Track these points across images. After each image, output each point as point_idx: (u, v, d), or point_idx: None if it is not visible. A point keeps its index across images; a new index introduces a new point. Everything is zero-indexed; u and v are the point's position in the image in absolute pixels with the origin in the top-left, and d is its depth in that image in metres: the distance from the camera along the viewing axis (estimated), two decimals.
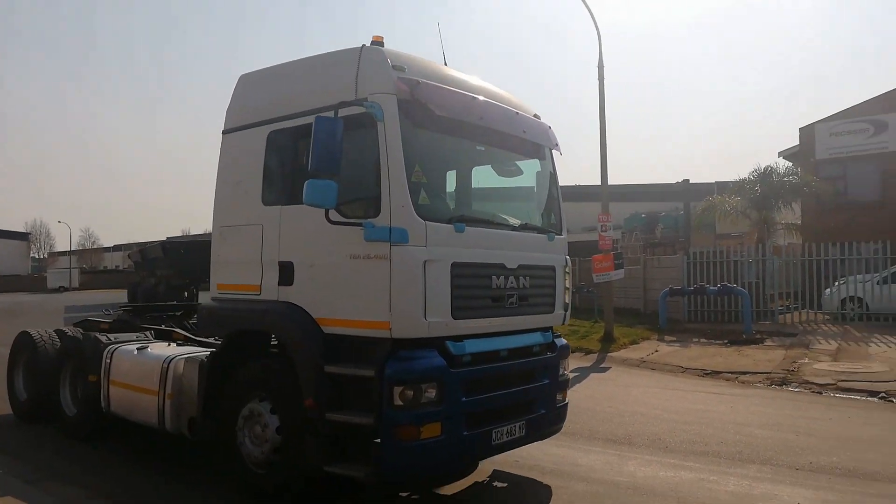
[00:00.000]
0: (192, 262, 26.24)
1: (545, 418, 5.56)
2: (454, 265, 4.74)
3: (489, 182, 6.01)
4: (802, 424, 8.02)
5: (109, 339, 6.93)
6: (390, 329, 4.52)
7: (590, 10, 16.13)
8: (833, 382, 10.39)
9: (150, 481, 5.83)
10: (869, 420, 8.35)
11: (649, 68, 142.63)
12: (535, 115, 6.08)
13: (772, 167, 22.91)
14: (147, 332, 7.45)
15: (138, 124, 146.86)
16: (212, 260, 5.83)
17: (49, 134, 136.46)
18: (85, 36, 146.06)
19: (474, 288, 4.95)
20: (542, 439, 5.75)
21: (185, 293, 26.59)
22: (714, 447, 6.97)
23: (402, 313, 4.51)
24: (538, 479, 5.83)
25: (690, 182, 28.42)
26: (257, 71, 5.89)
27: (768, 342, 14.50)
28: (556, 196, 6.17)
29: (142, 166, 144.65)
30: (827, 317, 17.35)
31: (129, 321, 8.04)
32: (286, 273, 5.12)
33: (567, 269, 5.97)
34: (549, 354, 5.65)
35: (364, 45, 4.92)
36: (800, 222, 24.40)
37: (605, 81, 16.13)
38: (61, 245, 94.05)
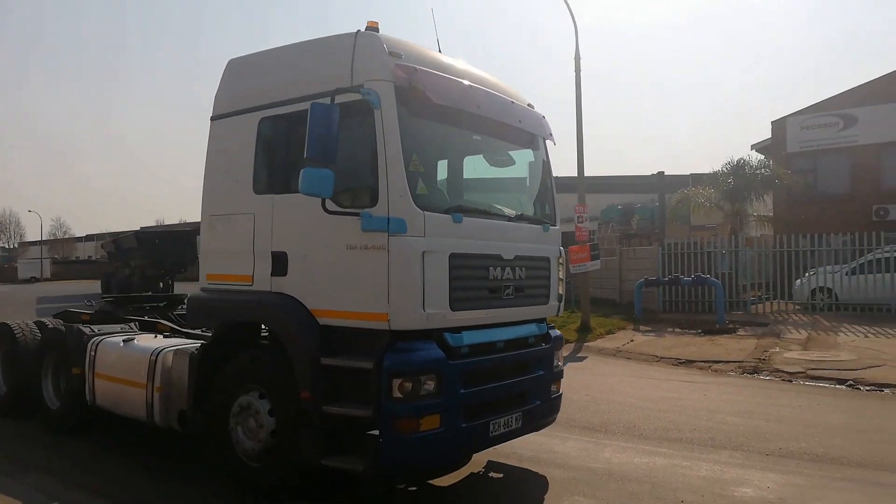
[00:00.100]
0: (168, 253, 25.92)
1: (540, 409, 5.54)
2: (452, 256, 4.69)
3: (482, 172, 5.93)
4: (773, 412, 8.22)
5: (93, 331, 6.79)
6: (388, 321, 4.46)
7: (567, 4, 16.21)
8: (803, 371, 10.65)
9: (147, 478, 5.71)
10: (837, 407, 8.59)
11: (626, 64, 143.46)
12: (529, 105, 6.02)
13: (744, 160, 23.23)
14: (131, 324, 7.31)
15: (105, 112, 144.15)
16: (200, 250, 5.74)
17: (10, 123, 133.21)
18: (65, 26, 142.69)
19: (472, 279, 4.90)
20: (536, 430, 5.73)
21: (161, 284, 26.26)
22: (687, 434, 7.12)
23: (401, 305, 4.45)
24: (532, 469, 5.83)
25: (666, 174, 28.70)
26: (247, 56, 5.74)
27: (740, 332, 14.78)
28: (549, 186, 6.12)
29: (111, 155, 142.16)
30: (797, 307, 17.72)
31: (112, 312, 7.88)
32: (279, 263, 5.02)
33: (561, 261, 5.94)
34: (543, 346, 5.63)
35: (359, 31, 4.80)
36: (772, 214, 24.85)
37: (581, 74, 16.25)
38: (32, 235, 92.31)
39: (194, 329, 6.46)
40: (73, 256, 78.98)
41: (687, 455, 6.36)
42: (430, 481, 5.53)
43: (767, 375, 10.76)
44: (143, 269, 26.65)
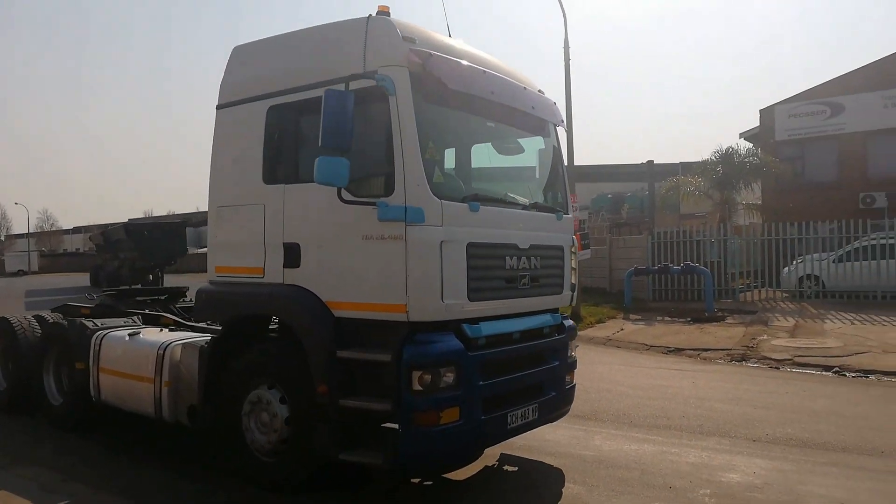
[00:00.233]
0: (157, 245, 25.79)
1: (556, 400, 5.48)
2: (470, 245, 4.60)
3: (492, 159, 5.82)
4: (760, 398, 8.34)
5: (97, 325, 6.65)
6: (407, 312, 4.36)
7: None
8: (790, 358, 10.79)
9: (152, 472, 5.66)
10: (823, 393, 8.72)
11: (616, 55, 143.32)
12: (539, 91, 5.90)
13: (733, 148, 23.38)
14: (134, 318, 7.16)
15: (85, 102, 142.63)
16: (209, 242, 5.63)
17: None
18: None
19: (489, 269, 4.82)
20: (552, 422, 5.65)
21: (150, 276, 26.14)
22: (676, 421, 7.22)
23: (419, 295, 4.35)
24: (548, 462, 5.80)
25: (655, 163, 28.81)
26: (253, 42, 5.59)
27: (729, 320, 14.93)
28: (561, 174, 6.02)
29: (101, 147, 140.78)
30: (785, 294, 17.89)
31: (114, 306, 7.73)
32: (292, 255, 4.91)
33: (573, 249, 5.84)
34: (558, 336, 5.56)
35: (371, 15, 4.67)
36: (760, 202, 25.02)
37: (570, 64, 16.27)
38: (18, 227, 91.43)
39: (201, 322, 6.37)
40: (60, 249, 78.44)
41: (676, 442, 6.45)
42: (445, 475, 5.40)
43: (755, 363, 10.90)
44: (132, 261, 26.51)
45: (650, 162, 28.07)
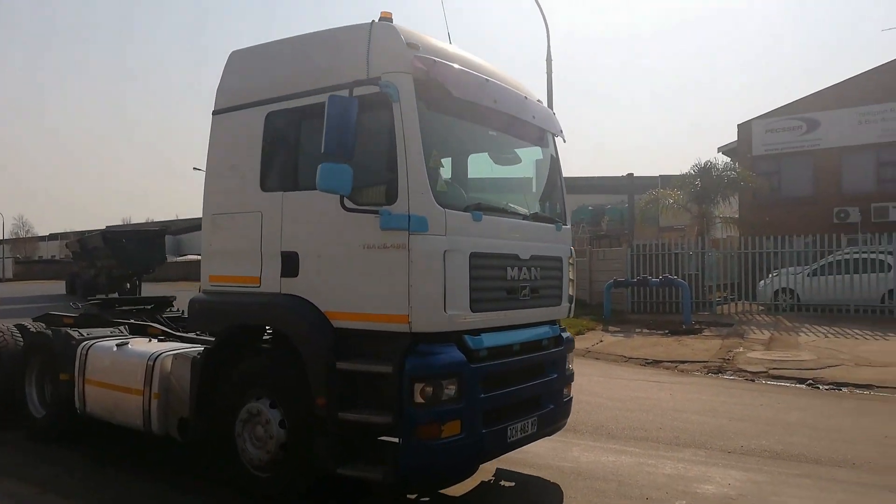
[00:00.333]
0: (135, 253, 25.56)
1: (553, 414, 5.42)
2: (473, 255, 4.53)
3: (491, 169, 5.77)
4: (736, 410, 8.45)
5: (82, 335, 6.50)
6: (409, 322, 4.27)
7: (540, 8, 16.42)
8: (765, 370, 10.95)
9: (137, 485, 5.55)
10: (796, 406, 8.85)
11: (598, 69, 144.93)
12: (539, 101, 5.89)
13: (711, 162, 23.76)
14: (120, 328, 7.01)
15: (55, 106, 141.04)
16: (203, 250, 5.50)
17: None
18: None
19: (491, 279, 4.77)
20: (549, 436, 5.59)
21: (128, 284, 25.90)
22: (654, 433, 7.29)
23: (422, 306, 4.27)
24: (546, 478, 5.73)
25: (635, 176, 29.15)
26: (251, 48, 5.51)
27: (706, 332, 15.10)
28: (560, 185, 5.99)
29: (78, 152, 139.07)
30: (761, 307, 18.13)
31: (99, 315, 7.52)
32: (290, 264, 4.80)
33: (571, 261, 5.82)
34: (556, 348, 5.51)
35: (374, 21, 4.60)
36: (737, 216, 25.37)
37: (553, 76, 16.50)
38: None
39: (191, 332, 6.26)
40: (35, 256, 77.14)
41: (653, 453, 6.51)
42: (441, 490, 5.30)
43: (731, 375, 11.03)
44: (109, 269, 26.25)
45: (630, 175, 28.40)
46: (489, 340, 4.70)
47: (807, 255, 17.70)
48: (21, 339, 7.19)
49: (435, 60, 4.52)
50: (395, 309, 4.32)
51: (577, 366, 5.68)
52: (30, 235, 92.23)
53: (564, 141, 6.03)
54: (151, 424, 5.53)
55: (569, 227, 5.90)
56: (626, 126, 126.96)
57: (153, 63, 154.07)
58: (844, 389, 9.79)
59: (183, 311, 8.14)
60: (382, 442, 4.25)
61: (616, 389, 9.86)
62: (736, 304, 18.50)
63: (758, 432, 7.30)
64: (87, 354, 6.21)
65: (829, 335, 14.00)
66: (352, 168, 4.17)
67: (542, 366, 5.32)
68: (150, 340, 6.40)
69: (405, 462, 4.22)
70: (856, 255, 16.67)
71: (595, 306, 19.15)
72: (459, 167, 5.53)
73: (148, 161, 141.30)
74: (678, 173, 24.66)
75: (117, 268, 25.33)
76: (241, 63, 5.49)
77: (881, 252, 16.45)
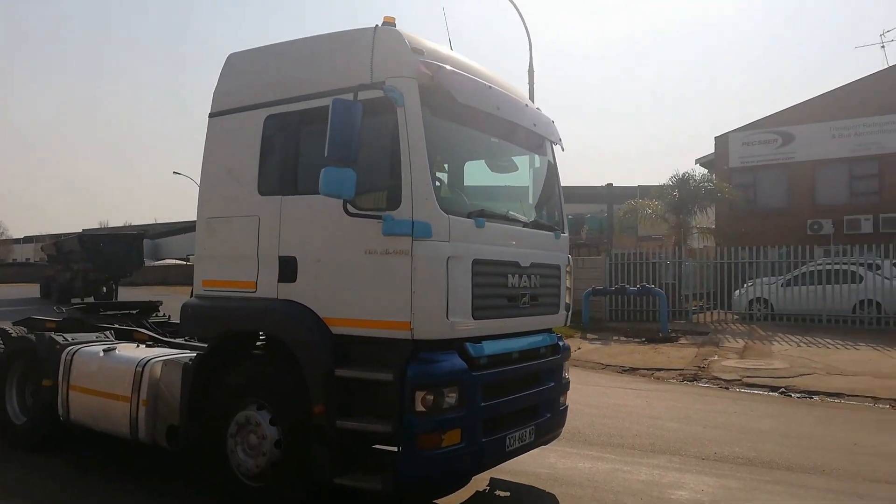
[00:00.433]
0: (112, 257, 25.25)
1: (551, 422, 5.39)
2: (475, 262, 4.49)
3: (489, 176, 5.71)
4: (710, 418, 8.58)
5: (67, 340, 6.35)
6: (411, 330, 4.21)
7: (523, 19, 16.61)
8: (739, 378, 11.12)
9: (140, 494, 5.45)
10: (769, 413, 9.01)
11: (579, 81, 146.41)
12: (538, 108, 5.88)
13: (689, 174, 24.14)
14: (106, 333, 6.84)
15: (41, 105, 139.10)
16: (196, 254, 5.41)
17: None
18: None
19: (492, 287, 4.72)
20: (545, 444, 5.54)
21: (104, 288, 25.56)
22: (629, 439, 7.38)
23: (425, 313, 4.21)
24: (541, 488, 5.70)
25: (614, 186, 29.49)
26: (250, 50, 5.46)
27: (682, 340, 15.30)
28: (558, 193, 5.97)
29: (53, 155, 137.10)
30: (736, 317, 18.39)
31: (83, 320, 7.36)
32: (288, 269, 4.71)
33: (569, 269, 5.79)
34: (553, 356, 5.48)
35: (378, 26, 4.56)
36: (713, 227, 25.73)
37: (535, 87, 16.66)
38: None
39: (180, 338, 6.13)
40: (9, 259, 75.77)
41: (628, 460, 6.60)
42: (436, 500, 5.25)
43: (706, 383, 11.19)
44: (85, 272, 25.89)
45: (610, 185, 28.73)
46: (490, 348, 4.66)
47: (781, 266, 18.00)
48: (2, 344, 7.03)
49: (440, 66, 4.49)
50: (396, 316, 4.27)
51: None
52: (4, 238, 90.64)
53: (563, 150, 6.04)
54: (139, 432, 5.40)
55: (567, 235, 5.90)
56: (607, 136, 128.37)
57: (132, 66, 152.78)
58: (816, 398, 9.98)
59: (169, 316, 8.10)
60: (380, 451, 4.19)
61: (593, 396, 9.95)
62: (711, 313, 18.75)
63: (731, 439, 7.43)
64: (72, 360, 6.06)
65: (801, 344, 14.25)
66: (355, 172, 4.12)
67: (539, 374, 5.29)
68: (137, 346, 6.30)
69: (405, 471, 4.15)
70: (828, 267, 17.00)
71: (573, 314, 19.19)
72: (459, 174, 5.51)
73: (126, 165, 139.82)
74: (657, 184, 25.01)
75: (93, 272, 24.99)
76: (239, 66, 5.42)
77: (853, 263, 16.80)
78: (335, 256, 4.57)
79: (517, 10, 16.77)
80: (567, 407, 5.85)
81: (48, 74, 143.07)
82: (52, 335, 6.54)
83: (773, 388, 10.50)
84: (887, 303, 16.36)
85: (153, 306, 8.39)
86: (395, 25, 4.60)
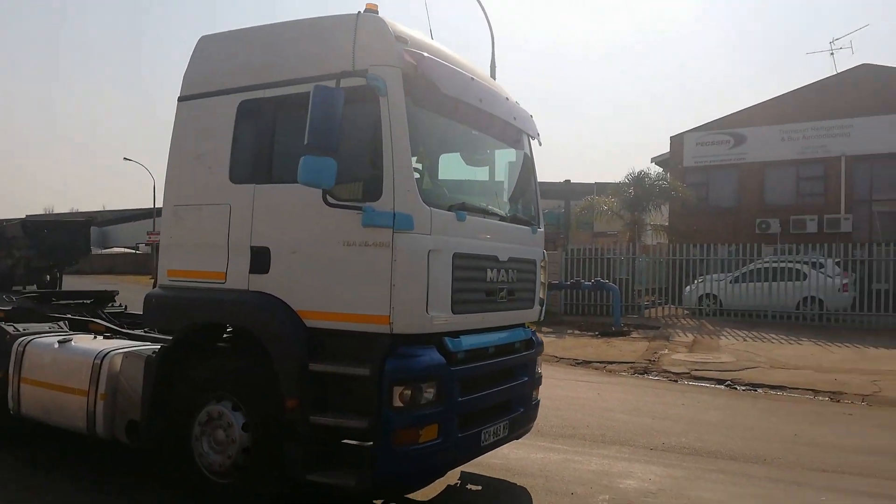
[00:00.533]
0: (58, 244, 24.32)
1: (524, 417, 5.38)
2: (455, 256, 4.42)
3: (466, 169, 5.65)
4: (659, 409, 8.79)
5: (18, 330, 6.07)
6: (391, 324, 4.12)
7: (486, 16, 16.62)
8: (687, 371, 11.42)
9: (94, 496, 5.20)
10: (715, 405, 9.28)
11: (539, 79, 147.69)
12: (516, 102, 5.81)
13: (645, 172, 24.54)
14: (60, 323, 6.55)
15: None
16: (161, 243, 5.19)
17: None
18: None
19: (472, 281, 4.66)
20: (518, 439, 5.52)
21: (48, 276, 24.67)
22: (581, 431, 7.49)
23: (405, 307, 4.13)
24: (513, 481, 5.72)
25: (572, 182, 29.85)
26: (224, 33, 5.25)
27: (634, 334, 15.62)
28: (534, 188, 5.92)
29: None
30: (686, 312, 18.83)
31: (34, 309, 7.00)
32: (260, 260, 4.56)
33: (543, 264, 5.74)
34: (527, 351, 5.46)
35: (360, 12, 4.44)
36: (667, 224, 26.27)
37: (497, 81, 16.72)
38: None
39: (139, 329, 5.91)
40: None
41: (579, 450, 6.70)
42: (407, 495, 5.14)
43: (656, 376, 11.45)
44: (28, 260, 24.86)
45: (567, 181, 29.04)
46: (468, 343, 4.61)
47: (730, 263, 18.49)
48: None
49: (424, 55, 4.39)
50: (374, 309, 4.17)
51: None
52: None
53: (540, 144, 5.99)
54: (96, 427, 5.19)
55: (542, 229, 5.86)
56: (567, 133, 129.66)
57: (82, 44, 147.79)
58: (760, 390, 10.31)
59: (126, 306, 7.87)
60: (355, 447, 4.11)
61: (546, 388, 9.91)
62: (663, 308, 19.17)
63: (679, 430, 7.62)
64: (24, 351, 5.80)
65: (747, 339, 14.70)
66: (335, 162, 4.00)
67: (514, 369, 5.27)
68: (94, 337, 6.02)
69: (381, 468, 4.07)
70: (774, 264, 17.54)
71: None
72: (438, 166, 5.38)
73: (73, 148, 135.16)
74: (614, 181, 25.40)
75: (37, 259, 24.04)
76: (211, 49, 5.23)
77: (798, 262, 17.37)
78: (311, 248, 4.45)
79: (481, 5, 16.78)
80: (539, 401, 5.82)
81: None
82: (2, 325, 6.25)
83: (720, 381, 10.81)
84: (829, 300, 16.98)
85: (108, 296, 8.09)
86: (377, 13, 4.49)
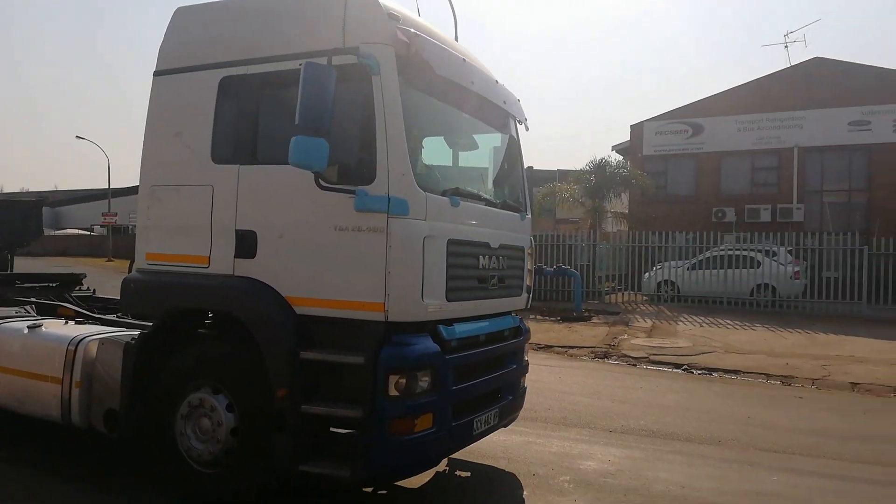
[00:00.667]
0: (7, 224, 23.52)
1: (512, 404, 5.35)
2: (450, 242, 4.33)
3: (456, 154, 5.52)
4: (618, 393, 8.97)
5: None
6: (386, 311, 4.01)
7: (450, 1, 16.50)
8: (646, 356, 11.67)
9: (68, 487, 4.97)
10: (672, 389, 9.51)
11: (503, 64, 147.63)
12: (504, 85, 5.68)
13: (606, 160, 24.81)
14: (26, 308, 6.28)
15: None
16: (139, 225, 4.96)
17: None
18: None
19: (465, 268, 4.58)
20: (506, 426, 5.49)
21: None
22: (543, 414, 7.61)
23: (400, 294, 4.02)
24: (500, 467, 5.73)
25: (535, 169, 30.01)
26: (203, 5, 5.01)
27: (595, 320, 15.88)
28: (522, 173, 5.85)
29: None
30: (645, 298, 19.21)
31: None
32: (246, 244, 4.40)
33: (530, 251, 5.67)
34: (516, 339, 5.43)
35: None
36: (627, 212, 26.69)
37: None
38: None
39: (110, 315, 5.72)
40: None
41: (541, 433, 6.81)
42: (396, 483, 5.11)
43: (616, 360, 11.68)
44: None
45: (530, 167, 29.11)
46: (461, 330, 4.54)
47: (687, 251, 18.91)
48: None
49: (417, 34, 4.22)
50: (368, 296, 4.05)
51: None
52: None
53: (527, 129, 5.86)
54: (72, 416, 5.00)
55: (530, 216, 5.79)
56: (529, 120, 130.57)
57: (34, 15, 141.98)
58: (715, 374, 10.60)
59: (94, 289, 7.65)
60: (347, 436, 4.03)
61: None
62: (623, 294, 19.51)
63: (637, 413, 7.80)
64: None
65: (704, 325, 15.08)
66: (327, 143, 3.84)
67: (503, 357, 5.22)
68: (66, 323, 5.81)
69: (376, 458, 3.99)
70: (730, 252, 18.00)
71: None
72: (430, 150, 5.24)
73: (24, 126, 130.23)
74: (576, 168, 25.63)
75: None
76: (190, 21, 4.97)
77: (752, 250, 17.86)
78: (300, 232, 4.30)
79: None
80: (526, 388, 5.80)
81: None
82: None
83: (677, 366, 11.08)
84: (781, 287, 17.52)
85: (76, 279, 7.79)
86: None
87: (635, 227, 22.26)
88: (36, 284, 7.39)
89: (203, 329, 4.95)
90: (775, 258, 17.57)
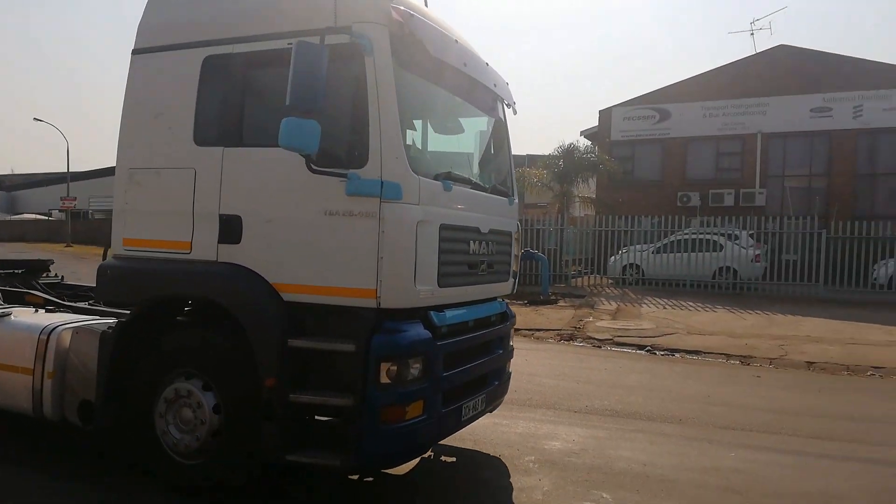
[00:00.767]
0: None
1: (499, 389, 5.34)
2: (442, 227, 4.25)
3: (443, 138, 5.40)
4: (583, 374, 9.12)
5: None
6: (378, 297, 3.92)
7: None
8: (611, 338, 11.87)
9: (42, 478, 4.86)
10: (636, 369, 9.70)
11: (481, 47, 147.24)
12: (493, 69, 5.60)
13: (574, 145, 24.98)
14: None
15: None
16: (115, 209, 4.77)
17: None
18: None
19: (456, 253, 4.50)
20: (492, 412, 5.48)
21: None
22: (509, 395, 7.52)
23: (392, 280, 3.93)
24: (486, 452, 5.73)
25: None
26: None
27: (561, 303, 16.06)
28: (509, 157, 5.76)
29: None
30: (610, 281, 19.46)
31: None
32: (231, 229, 4.26)
33: (517, 236, 5.61)
34: (502, 324, 5.38)
35: None
36: (594, 196, 26.94)
37: None
38: None
39: (81, 303, 5.54)
40: None
41: (507, 414, 6.87)
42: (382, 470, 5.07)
43: (581, 342, 11.85)
44: None
45: None
46: (451, 317, 4.48)
47: (653, 234, 19.19)
48: None
49: (412, 13, 4.10)
50: (360, 283, 3.96)
51: None
52: None
53: (515, 113, 5.77)
54: (44, 408, 4.83)
55: (517, 200, 5.73)
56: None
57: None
58: (677, 355, 10.84)
59: (63, 276, 7.41)
60: (337, 425, 3.98)
61: None
62: (589, 277, 19.74)
63: (601, 393, 7.94)
64: None
65: (667, 307, 15.36)
66: (319, 125, 3.71)
67: (491, 342, 5.18)
68: (35, 311, 5.57)
69: (367, 446, 3.92)
70: (693, 236, 18.32)
71: None
72: (421, 132, 5.17)
73: None
74: (544, 153, 25.75)
75: None
76: None
77: (715, 233, 18.20)
78: (289, 217, 4.17)
79: None
80: (511, 373, 5.79)
81: None
82: None
83: (641, 347, 11.29)
84: (742, 270, 17.90)
85: (43, 265, 7.51)
86: None
87: (602, 211, 22.49)
88: (0, 271, 7.13)
89: (182, 317, 4.82)
90: (737, 242, 17.93)
